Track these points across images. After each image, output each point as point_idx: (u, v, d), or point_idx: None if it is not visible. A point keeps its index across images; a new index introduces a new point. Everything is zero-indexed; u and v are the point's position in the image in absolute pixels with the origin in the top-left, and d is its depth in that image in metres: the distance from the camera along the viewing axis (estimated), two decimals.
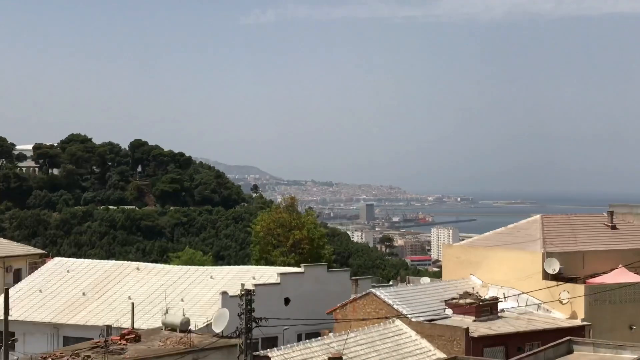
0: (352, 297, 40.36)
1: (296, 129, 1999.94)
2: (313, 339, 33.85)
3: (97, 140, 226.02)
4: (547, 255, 40.16)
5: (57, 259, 56.58)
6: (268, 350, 32.40)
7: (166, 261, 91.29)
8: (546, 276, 39.73)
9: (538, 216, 46.00)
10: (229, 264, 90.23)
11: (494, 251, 43.52)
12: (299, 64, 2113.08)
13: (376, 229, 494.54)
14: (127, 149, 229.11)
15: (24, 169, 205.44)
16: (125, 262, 57.11)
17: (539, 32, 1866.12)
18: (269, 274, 47.74)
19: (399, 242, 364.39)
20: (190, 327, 33.86)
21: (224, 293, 41.39)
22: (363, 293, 39.68)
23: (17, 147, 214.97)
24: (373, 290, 39.55)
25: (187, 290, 46.70)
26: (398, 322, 36.03)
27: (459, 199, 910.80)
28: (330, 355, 31.36)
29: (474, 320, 36.38)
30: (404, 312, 36.40)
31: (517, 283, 40.85)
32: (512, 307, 39.38)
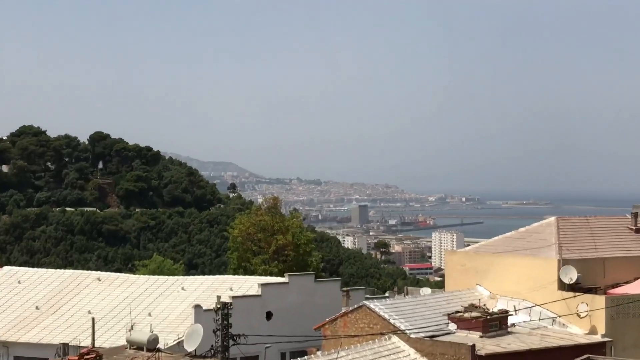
0: (343, 311, 40.33)
1: (280, 121, 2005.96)
2: (298, 358, 33.87)
3: (52, 133, 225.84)
4: (563, 262, 40.26)
5: (6, 269, 56.25)
6: None
7: (131, 270, 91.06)
8: (562, 286, 39.82)
9: (553, 218, 46.08)
10: (203, 274, 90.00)
11: (504, 258, 43.62)
12: (284, 47, 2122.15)
13: (370, 233, 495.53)
14: (87, 142, 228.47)
15: None
16: (85, 271, 56.95)
17: (554, 17, 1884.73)
18: (248, 284, 47.72)
19: (396, 248, 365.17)
20: (158, 345, 33.76)
21: (197, 306, 41.34)
22: (355, 306, 39.65)
23: None
24: (367, 302, 39.51)
25: (155, 304, 46.60)
26: (395, 338, 36.05)
27: (464, 199, 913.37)
28: None
29: (481, 337, 36.45)
30: (402, 327, 36.41)
31: (530, 294, 40.95)
32: (524, 322, 39.46)
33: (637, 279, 41.31)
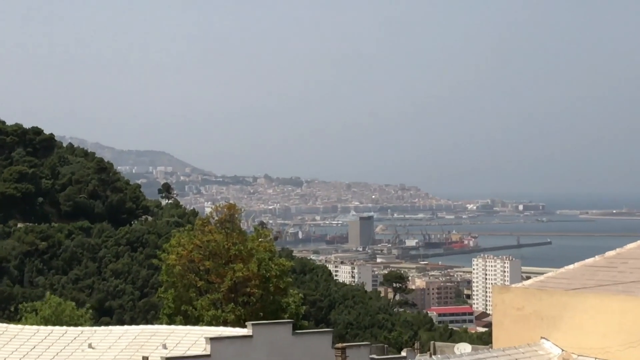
0: None
1: (237, 94, 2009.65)
2: None
3: None
4: None
5: None
6: None
7: (11, 318, 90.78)
8: None
9: None
10: (122, 323, 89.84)
11: (583, 297, 43.80)
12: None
13: (378, 259, 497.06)
14: None
15: None
16: None
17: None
18: (190, 339, 47.71)
19: (417, 282, 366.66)
20: None
21: None
22: None
23: None
24: None
25: None
26: None
27: (521, 208, 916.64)
28: None
29: None
30: None
31: (624, 353, 41.15)
32: None
33: None
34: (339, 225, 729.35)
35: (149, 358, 40.62)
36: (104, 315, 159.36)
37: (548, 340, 43.97)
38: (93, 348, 47.85)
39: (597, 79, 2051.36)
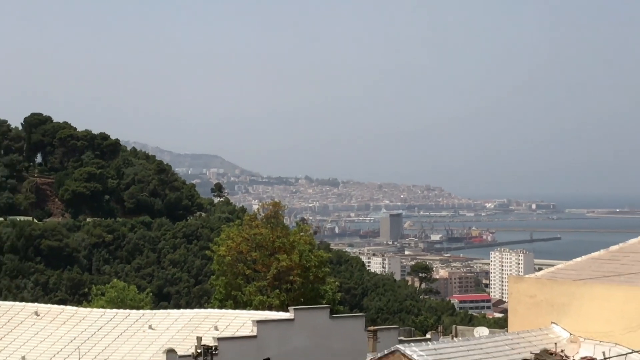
0: (368, 358, 40.32)
1: (283, 103, 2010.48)
2: None
3: None
4: None
5: None
6: None
7: (80, 302, 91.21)
8: None
9: None
10: (178, 307, 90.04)
11: (589, 287, 43.46)
12: (291, 11, 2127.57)
13: (406, 252, 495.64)
14: (20, 128, 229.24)
15: None
16: (18, 303, 56.99)
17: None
18: (239, 321, 47.70)
19: (441, 272, 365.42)
20: None
21: (171, 351, 41.36)
22: (385, 352, 39.57)
23: None
24: (401, 347, 39.44)
25: (114, 347, 46.66)
26: None
27: (534, 207, 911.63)
28: None
29: None
30: None
31: (625, 336, 40.80)
32: None
33: None
34: (371, 221, 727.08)
35: (202, 338, 40.66)
36: (162, 299, 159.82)
37: (558, 325, 43.67)
38: (153, 329, 47.95)
39: (613, 91, 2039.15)
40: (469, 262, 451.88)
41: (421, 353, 38.57)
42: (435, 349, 39.83)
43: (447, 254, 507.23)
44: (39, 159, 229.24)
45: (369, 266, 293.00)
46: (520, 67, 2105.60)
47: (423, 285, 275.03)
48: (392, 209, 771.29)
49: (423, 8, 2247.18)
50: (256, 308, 62.90)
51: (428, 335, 60.99)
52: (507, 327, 49.40)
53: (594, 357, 39.77)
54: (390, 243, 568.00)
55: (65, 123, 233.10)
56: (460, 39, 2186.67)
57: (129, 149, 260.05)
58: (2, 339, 49.11)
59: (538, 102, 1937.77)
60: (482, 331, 52.12)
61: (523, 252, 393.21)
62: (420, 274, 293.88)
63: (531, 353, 39.24)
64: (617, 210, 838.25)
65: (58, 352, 46.77)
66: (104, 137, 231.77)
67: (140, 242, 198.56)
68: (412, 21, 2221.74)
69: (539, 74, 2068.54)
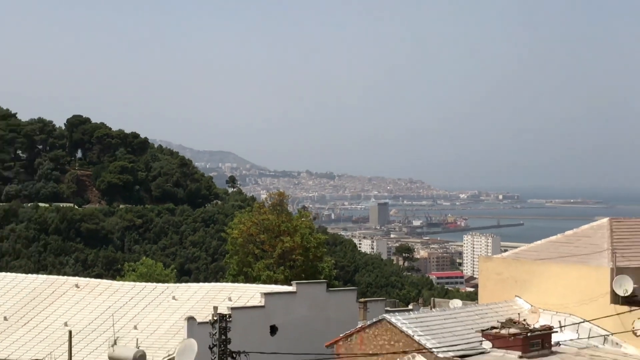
0: (359, 326, 40.35)
1: (287, 106, 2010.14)
2: None
3: (24, 116, 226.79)
4: (617, 271, 40.11)
5: None
6: None
7: (114, 276, 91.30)
8: (616, 299, 39.69)
9: (605, 220, 45.89)
10: (197, 281, 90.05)
11: (547, 266, 43.53)
12: (294, 23, 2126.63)
13: (391, 235, 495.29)
14: (63, 127, 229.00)
15: None
16: (61, 277, 56.98)
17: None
18: (249, 293, 47.74)
19: (421, 253, 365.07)
20: None
21: (191, 319, 41.41)
22: (374, 320, 39.64)
23: None
24: (387, 316, 39.50)
25: (142, 315, 46.71)
26: (420, 358, 36.06)
27: (500, 197, 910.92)
28: None
29: (520, 357, 36.40)
30: (428, 345, 36.38)
31: (578, 308, 40.86)
32: (571, 340, 39.36)
33: None
34: (362, 209, 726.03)
35: (218, 308, 40.71)
36: (184, 275, 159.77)
37: (521, 298, 43.76)
38: (176, 299, 48.01)
39: (568, 98, 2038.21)
40: (445, 244, 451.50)
41: (404, 321, 38.72)
42: (416, 318, 39.97)
43: (426, 237, 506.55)
44: (79, 154, 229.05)
45: (360, 247, 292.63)
46: (489, 78, 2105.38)
47: (406, 264, 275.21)
48: (380, 198, 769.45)
49: (408, 28, 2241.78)
50: (264, 282, 63.03)
51: (410, 307, 61.02)
52: (477, 299, 49.56)
53: (551, 325, 39.84)
54: (378, 228, 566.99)
55: (102, 123, 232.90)
56: (437, 57, 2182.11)
57: (156, 146, 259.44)
58: (47, 308, 49.20)
59: (505, 109, 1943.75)
60: (456, 303, 52.24)
61: (491, 236, 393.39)
62: (403, 254, 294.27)
63: (498, 322, 39.34)
64: (572, 200, 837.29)
65: (95, 319, 46.85)
66: (134, 135, 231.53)
67: (166, 225, 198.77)
68: (397, 42, 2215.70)
69: (503, 87, 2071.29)
